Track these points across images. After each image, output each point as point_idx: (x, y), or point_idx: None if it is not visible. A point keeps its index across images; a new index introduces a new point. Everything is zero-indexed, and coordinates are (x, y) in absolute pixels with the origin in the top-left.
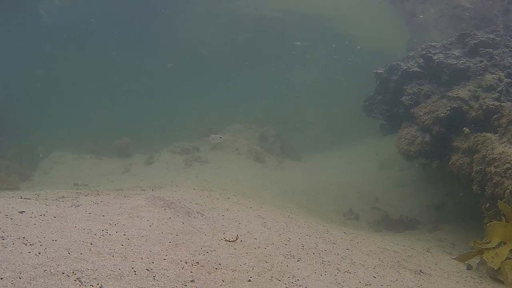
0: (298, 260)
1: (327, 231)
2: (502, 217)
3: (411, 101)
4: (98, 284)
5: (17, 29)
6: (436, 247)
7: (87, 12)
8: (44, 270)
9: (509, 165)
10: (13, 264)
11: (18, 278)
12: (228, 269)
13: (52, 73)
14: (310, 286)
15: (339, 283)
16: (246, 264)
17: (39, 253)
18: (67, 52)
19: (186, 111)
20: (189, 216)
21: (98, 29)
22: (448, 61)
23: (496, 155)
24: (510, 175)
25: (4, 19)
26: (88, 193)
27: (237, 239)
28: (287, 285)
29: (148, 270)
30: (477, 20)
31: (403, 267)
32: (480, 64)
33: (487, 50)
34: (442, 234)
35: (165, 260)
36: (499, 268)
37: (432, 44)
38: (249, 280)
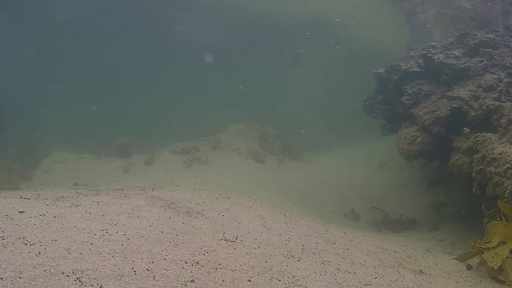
0: (298, 260)
1: (327, 231)
2: (502, 217)
3: (411, 101)
4: (98, 284)
5: (21, 23)
6: (436, 247)
7: (86, 11)
8: (44, 270)
9: (509, 165)
10: (13, 264)
11: (18, 278)
12: (228, 269)
13: (53, 72)
14: (310, 286)
15: (339, 283)
16: (246, 264)
17: (39, 253)
18: (68, 50)
19: (186, 111)
20: (189, 216)
21: (98, 28)
22: (448, 61)
23: (496, 155)
24: (510, 175)
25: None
26: (88, 193)
27: (236, 239)
28: (287, 285)
29: (148, 270)
30: (478, 21)
31: (403, 267)
32: (480, 64)
33: (487, 50)
34: (442, 234)
35: (165, 260)
36: (499, 268)
37: (432, 44)
38: (249, 280)
